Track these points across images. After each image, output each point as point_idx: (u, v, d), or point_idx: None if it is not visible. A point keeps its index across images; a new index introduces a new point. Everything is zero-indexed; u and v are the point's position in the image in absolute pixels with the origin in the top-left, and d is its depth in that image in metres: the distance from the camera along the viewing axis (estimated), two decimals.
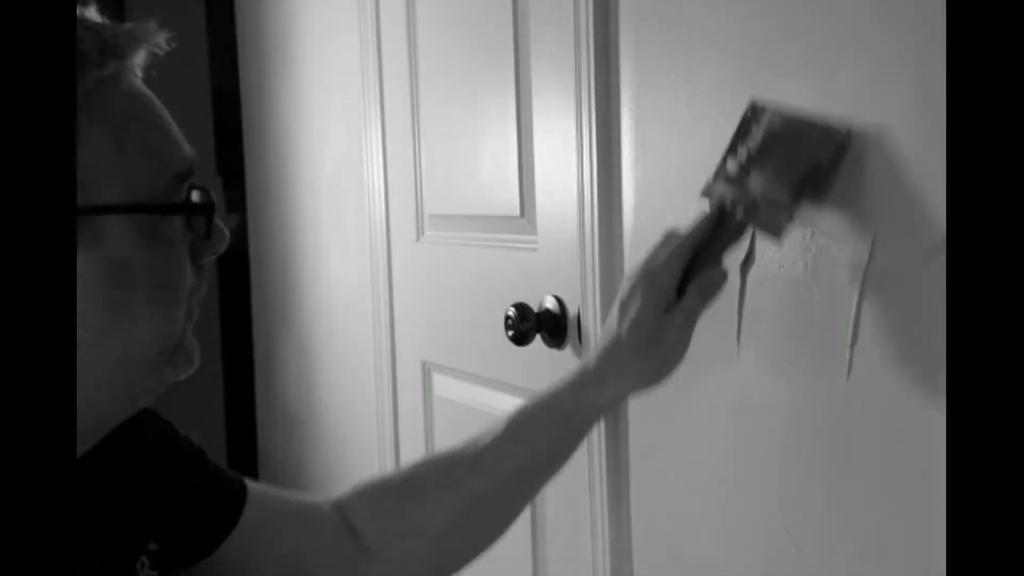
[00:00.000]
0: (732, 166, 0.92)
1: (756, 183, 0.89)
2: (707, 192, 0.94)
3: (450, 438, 1.68)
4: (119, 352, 0.61)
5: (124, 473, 0.75)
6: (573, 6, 1.24)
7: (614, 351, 0.89)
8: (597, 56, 1.21)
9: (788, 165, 0.88)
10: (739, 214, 0.89)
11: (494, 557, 1.57)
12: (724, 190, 0.92)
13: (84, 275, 0.58)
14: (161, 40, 0.62)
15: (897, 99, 0.85)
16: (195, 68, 2.53)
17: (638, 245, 1.18)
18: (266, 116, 2.32)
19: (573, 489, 1.32)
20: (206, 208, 0.64)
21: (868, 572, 0.92)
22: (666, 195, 1.13)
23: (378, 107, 1.80)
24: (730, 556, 1.09)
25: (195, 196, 0.65)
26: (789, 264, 0.97)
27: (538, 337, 1.35)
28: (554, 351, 1.34)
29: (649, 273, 0.88)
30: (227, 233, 0.67)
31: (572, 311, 1.31)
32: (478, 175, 1.52)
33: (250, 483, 0.88)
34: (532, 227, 1.39)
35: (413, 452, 1.79)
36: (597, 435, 1.26)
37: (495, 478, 0.91)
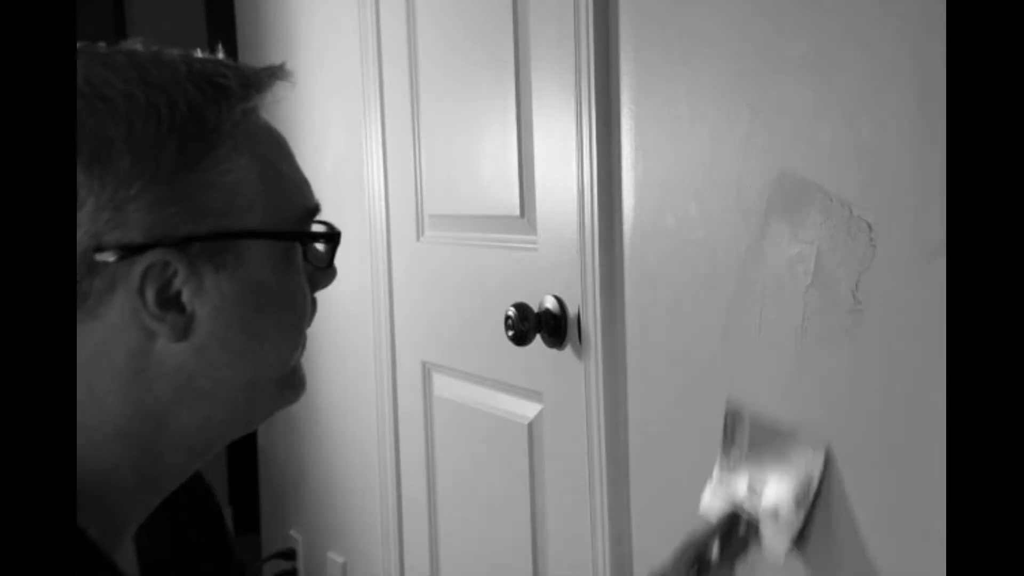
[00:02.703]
0: (726, 478, 0.98)
1: (755, 498, 0.95)
2: (707, 509, 1.00)
3: (450, 438, 1.69)
4: (249, 373, 0.63)
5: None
6: (573, 6, 1.24)
7: None
8: (597, 56, 1.21)
9: (782, 480, 0.93)
10: (742, 529, 0.95)
11: (495, 557, 1.57)
12: (725, 503, 0.98)
13: (226, 296, 0.61)
14: (292, 76, 0.67)
15: (897, 99, 0.85)
16: None
17: (638, 245, 1.18)
18: (268, 113, 2.32)
19: (574, 486, 1.32)
20: (335, 238, 0.68)
21: (868, 571, 0.92)
22: (666, 195, 1.13)
23: (378, 107, 1.80)
24: None
25: (319, 229, 0.68)
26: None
27: (538, 337, 1.35)
28: (554, 351, 1.34)
29: None
30: (337, 268, 0.70)
31: (572, 311, 1.31)
32: (478, 175, 1.52)
33: None
34: (532, 227, 1.39)
35: (413, 452, 1.79)
36: (597, 433, 1.26)
37: None
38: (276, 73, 0.66)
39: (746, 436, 0.97)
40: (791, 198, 0.97)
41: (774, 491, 0.93)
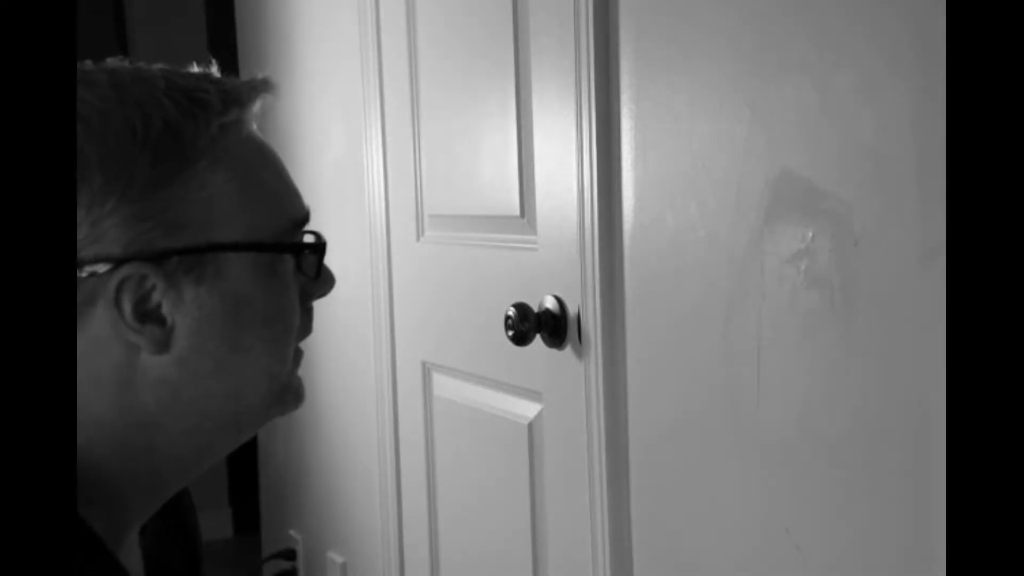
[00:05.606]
0: None
1: None
2: None
3: (450, 438, 1.69)
4: (232, 385, 0.63)
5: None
6: (573, 6, 1.24)
7: None
8: (597, 56, 1.21)
9: None
10: None
11: (495, 556, 1.57)
12: None
13: (206, 309, 0.61)
14: (277, 89, 0.67)
15: (898, 99, 0.85)
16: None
17: (638, 245, 1.18)
18: (266, 116, 2.32)
19: (574, 485, 1.32)
20: (319, 248, 0.67)
21: (868, 573, 0.92)
22: (666, 195, 1.13)
23: (378, 107, 1.80)
24: (730, 556, 1.09)
25: (308, 239, 0.68)
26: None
27: (538, 337, 1.35)
28: (554, 351, 1.34)
29: None
30: (334, 276, 0.70)
31: (572, 311, 1.31)
32: (478, 175, 1.52)
33: None
34: (532, 227, 1.39)
35: (413, 452, 1.79)
36: (597, 435, 1.26)
37: None
38: (259, 87, 0.66)
39: None
40: (791, 198, 0.97)
41: None
